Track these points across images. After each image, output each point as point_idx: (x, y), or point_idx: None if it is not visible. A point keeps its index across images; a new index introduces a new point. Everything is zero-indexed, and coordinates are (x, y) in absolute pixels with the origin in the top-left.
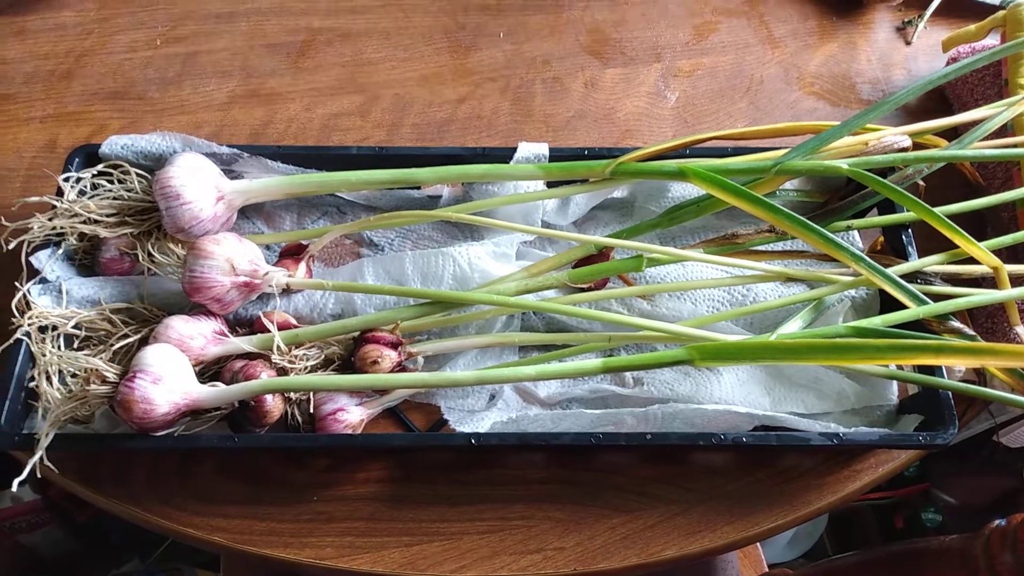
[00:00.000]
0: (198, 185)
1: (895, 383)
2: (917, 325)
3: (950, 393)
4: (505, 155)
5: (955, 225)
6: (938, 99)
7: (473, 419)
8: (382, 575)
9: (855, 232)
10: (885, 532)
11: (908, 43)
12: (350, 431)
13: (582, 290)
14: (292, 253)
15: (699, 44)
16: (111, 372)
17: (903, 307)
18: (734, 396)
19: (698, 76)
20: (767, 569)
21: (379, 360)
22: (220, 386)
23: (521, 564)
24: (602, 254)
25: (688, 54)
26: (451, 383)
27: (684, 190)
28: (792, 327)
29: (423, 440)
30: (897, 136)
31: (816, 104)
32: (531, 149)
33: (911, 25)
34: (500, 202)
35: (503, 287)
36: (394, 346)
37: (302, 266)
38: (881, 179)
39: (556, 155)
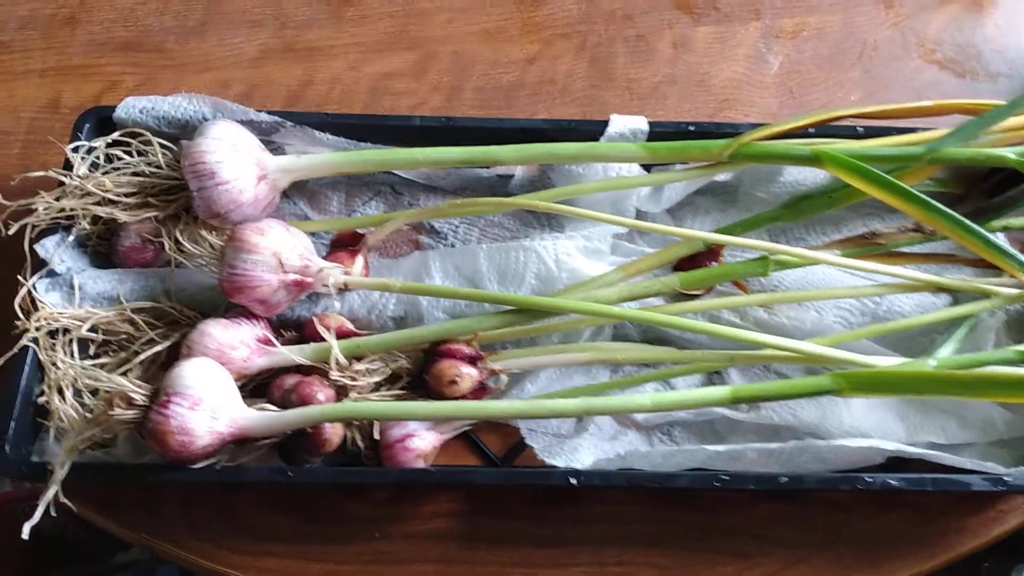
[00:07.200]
0: (237, 161)
1: None
2: None
3: None
4: (594, 130)
5: None
6: None
7: (564, 447)
8: None
9: (1000, 234)
10: None
11: None
12: (421, 461)
13: (690, 296)
14: (346, 244)
15: (803, 0)
16: (139, 394)
17: None
18: (865, 423)
19: (803, 38)
20: None
21: (457, 380)
22: (271, 410)
23: None
24: (710, 251)
25: (791, 11)
26: (552, 414)
27: (799, 175)
28: (947, 350)
29: (513, 479)
30: None
31: (939, 75)
32: (626, 123)
33: None
34: (592, 188)
35: (599, 293)
36: (473, 361)
37: (359, 260)
38: None
39: (655, 131)
